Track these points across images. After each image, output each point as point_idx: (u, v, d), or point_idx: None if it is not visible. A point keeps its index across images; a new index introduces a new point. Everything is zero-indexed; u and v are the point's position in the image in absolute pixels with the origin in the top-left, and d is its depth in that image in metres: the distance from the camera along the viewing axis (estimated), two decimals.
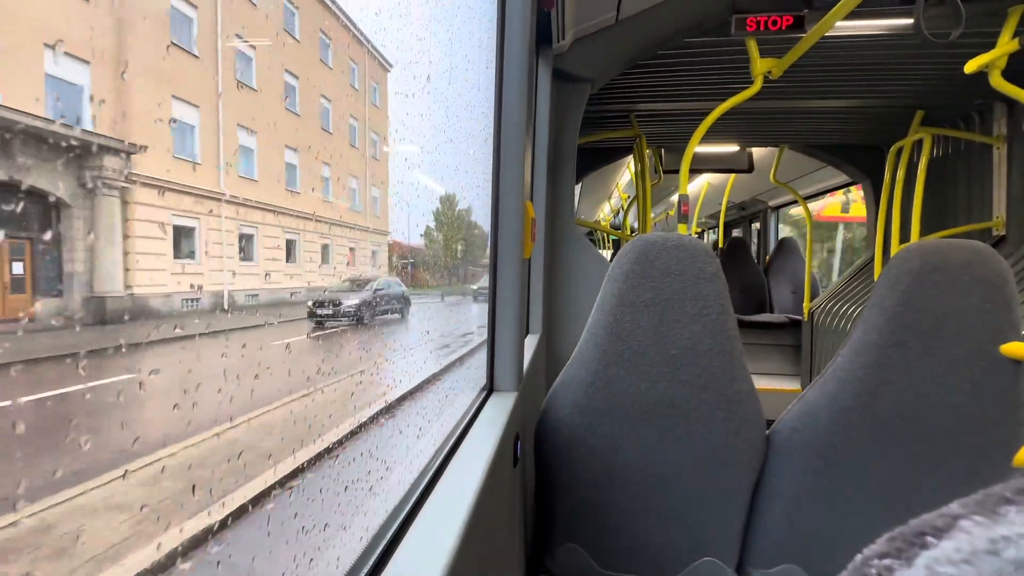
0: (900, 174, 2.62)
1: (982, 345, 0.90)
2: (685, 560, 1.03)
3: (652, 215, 8.70)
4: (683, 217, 1.97)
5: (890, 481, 0.96)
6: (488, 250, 1.12)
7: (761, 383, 3.63)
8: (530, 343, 1.53)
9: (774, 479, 1.02)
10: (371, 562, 0.53)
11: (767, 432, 1.03)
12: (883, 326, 0.94)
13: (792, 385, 3.65)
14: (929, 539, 0.19)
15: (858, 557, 0.20)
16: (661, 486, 1.01)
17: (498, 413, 0.93)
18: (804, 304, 3.64)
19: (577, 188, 4.79)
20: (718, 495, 1.01)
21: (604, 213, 8.46)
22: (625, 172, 4.90)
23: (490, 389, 1.08)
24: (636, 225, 6.09)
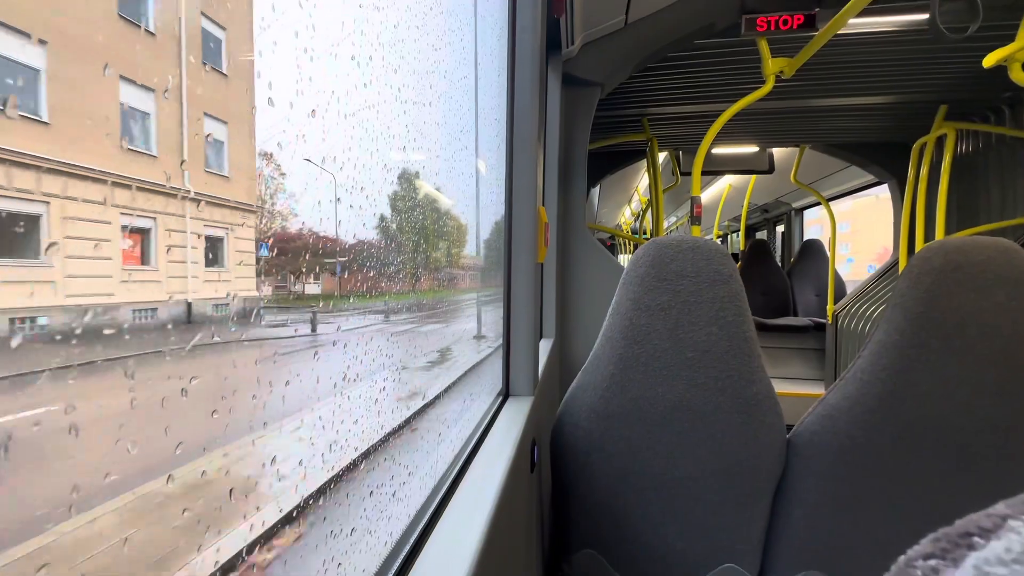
0: (924, 171, 2.55)
1: (1008, 345, 0.87)
2: (705, 566, 1.01)
3: (673, 218, 8.56)
4: (696, 219, 1.95)
5: (914, 485, 0.93)
6: (501, 255, 1.13)
7: (785, 387, 3.55)
8: (544, 347, 1.53)
9: (795, 484, 1.00)
10: (395, 567, 0.55)
11: (788, 436, 1.02)
12: (905, 327, 0.91)
13: (816, 389, 3.56)
14: (976, 539, 0.18)
15: (900, 559, 0.20)
16: (679, 491, 0.99)
17: (515, 418, 0.94)
18: (828, 307, 3.55)
19: (596, 191, 4.77)
20: (738, 500, 0.99)
21: (625, 217, 8.38)
22: (644, 175, 4.87)
23: (506, 394, 1.08)
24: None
